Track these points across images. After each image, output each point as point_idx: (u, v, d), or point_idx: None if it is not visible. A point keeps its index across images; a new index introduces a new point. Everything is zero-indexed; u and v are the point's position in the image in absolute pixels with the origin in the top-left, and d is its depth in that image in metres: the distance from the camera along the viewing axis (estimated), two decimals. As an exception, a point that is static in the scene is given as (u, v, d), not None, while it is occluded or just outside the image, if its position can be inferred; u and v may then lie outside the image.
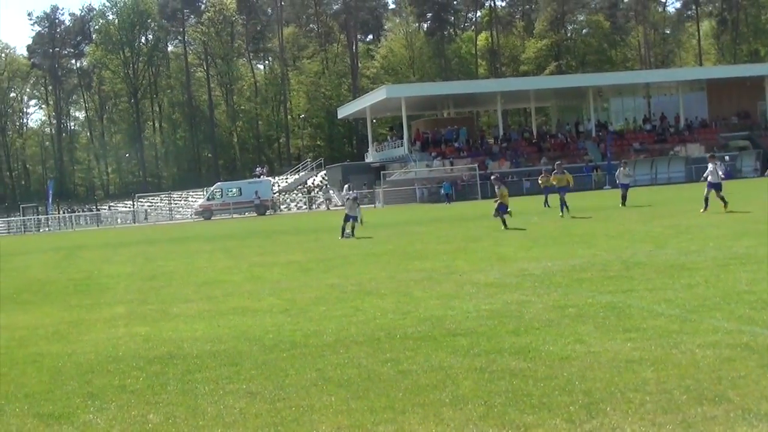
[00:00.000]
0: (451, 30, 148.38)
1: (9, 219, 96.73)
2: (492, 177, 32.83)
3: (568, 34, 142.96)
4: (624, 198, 39.16)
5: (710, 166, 30.50)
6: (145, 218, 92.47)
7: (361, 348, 9.99)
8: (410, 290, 14.79)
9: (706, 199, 29.82)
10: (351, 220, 30.98)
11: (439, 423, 6.83)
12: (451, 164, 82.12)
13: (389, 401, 7.55)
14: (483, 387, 7.80)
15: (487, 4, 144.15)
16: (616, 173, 42.24)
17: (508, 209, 29.57)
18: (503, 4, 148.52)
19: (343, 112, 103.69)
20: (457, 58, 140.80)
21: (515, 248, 21.76)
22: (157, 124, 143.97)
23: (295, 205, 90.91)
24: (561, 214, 34.17)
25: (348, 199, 33.14)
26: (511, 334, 10.20)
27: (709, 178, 30.27)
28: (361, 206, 34.03)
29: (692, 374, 7.74)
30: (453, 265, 18.51)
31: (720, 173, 30.06)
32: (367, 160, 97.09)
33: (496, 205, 29.93)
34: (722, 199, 29.34)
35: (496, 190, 30.32)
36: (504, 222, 28.97)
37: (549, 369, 8.32)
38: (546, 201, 42.48)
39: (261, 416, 7.40)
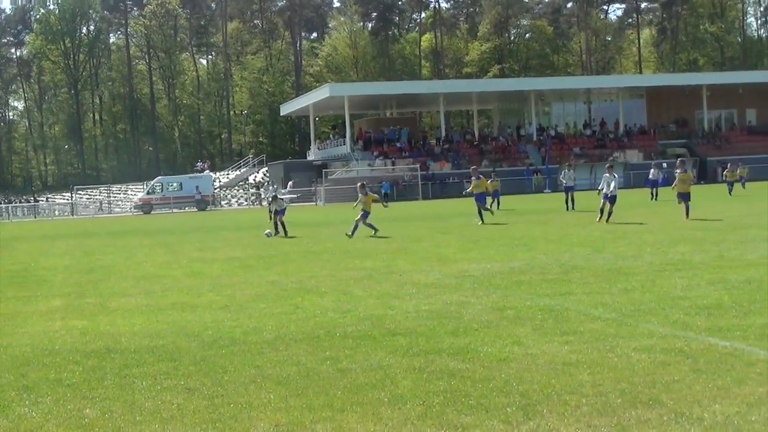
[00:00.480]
0: (395, 30, 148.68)
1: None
2: (358, 184, 30.96)
3: (512, 38, 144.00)
4: (570, 201, 38.46)
5: (606, 175, 30.19)
6: (100, 211, 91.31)
7: (301, 346, 9.98)
8: (350, 289, 14.81)
9: (602, 210, 29.69)
10: (280, 215, 30.24)
11: (378, 422, 6.86)
12: (393, 164, 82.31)
13: (328, 399, 7.56)
14: (421, 387, 7.85)
15: (431, 5, 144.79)
16: (561, 175, 41.79)
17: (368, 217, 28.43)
18: (447, 6, 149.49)
19: (286, 109, 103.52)
20: (401, 58, 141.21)
21: (455, 249, 21.88)
22: (97, 116, 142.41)
23: (236, 201, 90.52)
24: (479, 220, 32.15)
25: (275, 196, 31.97)
26: (450, 335, 10.26)
27: (604, 190, 29.91)
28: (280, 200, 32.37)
29: (627, 378, 7.85)
30: (393, 264, 18.57)
31: (612, 185, 29.42)
32: (309, 158, 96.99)
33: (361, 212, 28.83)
34: (610, 213, 29.04)
35: (360, 196, 29.20)
36: (354, 229, 27.95)
37: (487, 370, 8.39)
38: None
39: (199, 412, 7.37)
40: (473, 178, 34.17)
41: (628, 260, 17.21)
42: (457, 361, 8.85)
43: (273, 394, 7.80)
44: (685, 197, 29.74)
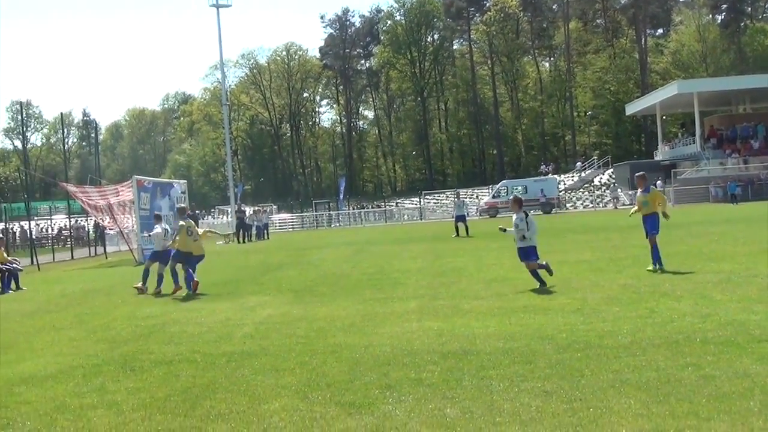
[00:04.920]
0: (747, 21, 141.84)
1: (303, 214, 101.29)
2: (178, 206, 21.62)
3: None
4: None
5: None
6: (446, 215, 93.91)
7: (659, 351, 9.69)
8: (708, 292, 14.20)
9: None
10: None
11: (749, 433, 6.51)
12: (745, 162, 78.67)
13: (692, 407, 7.27)
14: (795, 397, 7.37)
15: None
16: None
17: None
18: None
19: (632, 108, 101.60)
20: (753, 50, 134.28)
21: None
22: (442, 122, 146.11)
23: (581, 204, 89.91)
24: (655, 267, 18.35)
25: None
26: (823, 342, 9.61)
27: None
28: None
29: None
30: (754, 267, 17.57)
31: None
32: (656, 158, 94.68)
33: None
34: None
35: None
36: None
37: None
38: None
39: (558, 416, 7.31)
40: (639, 190, 19.86)
41: None
42: (833, 370, 8.25)
43: (633, 400, 7.61)
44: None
